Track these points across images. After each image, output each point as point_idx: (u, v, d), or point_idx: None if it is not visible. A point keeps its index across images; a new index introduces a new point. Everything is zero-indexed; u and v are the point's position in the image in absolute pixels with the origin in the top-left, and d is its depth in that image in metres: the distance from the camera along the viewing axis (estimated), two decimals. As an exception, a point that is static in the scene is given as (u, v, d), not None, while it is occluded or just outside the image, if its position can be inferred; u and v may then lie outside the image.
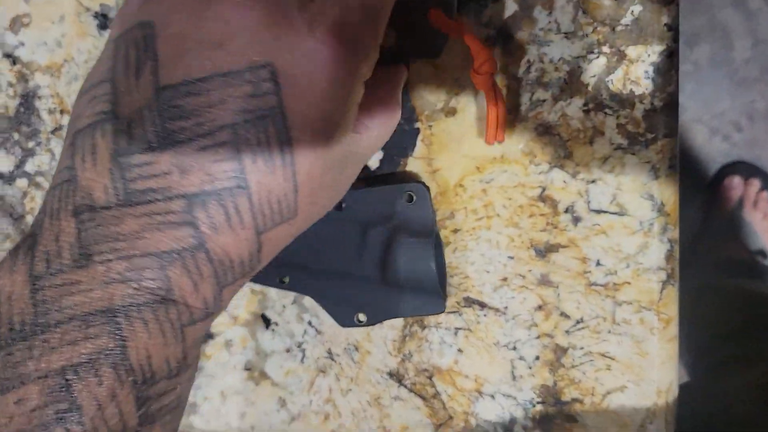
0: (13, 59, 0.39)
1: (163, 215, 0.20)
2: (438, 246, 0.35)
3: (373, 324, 0.36)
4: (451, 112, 0.34)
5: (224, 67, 0.20)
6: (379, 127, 0.26)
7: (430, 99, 0.34)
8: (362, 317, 0.36)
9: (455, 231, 0.35)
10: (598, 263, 0.33)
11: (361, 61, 0.23)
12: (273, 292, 0.38)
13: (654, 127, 0.31)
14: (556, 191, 0.33)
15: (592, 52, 0.31)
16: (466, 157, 0.34)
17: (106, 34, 0.38)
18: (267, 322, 0.39)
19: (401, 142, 0.35)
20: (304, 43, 0.21)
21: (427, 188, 0.34)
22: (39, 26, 0.39)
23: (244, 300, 0.39)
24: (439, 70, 0.33)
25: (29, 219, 0.42)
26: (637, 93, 0.31)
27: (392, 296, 0.35)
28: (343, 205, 0.35)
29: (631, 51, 0.31)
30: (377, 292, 0.35)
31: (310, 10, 0.21)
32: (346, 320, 0.36)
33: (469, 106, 0.33)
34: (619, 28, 0.31)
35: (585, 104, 0.32)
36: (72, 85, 0.39)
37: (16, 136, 0.40)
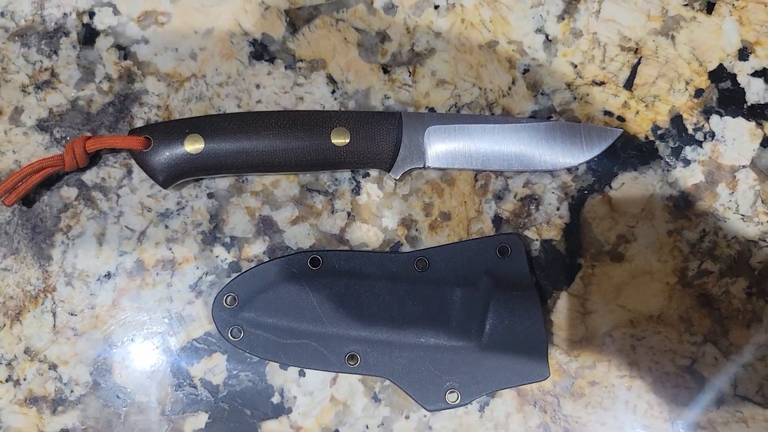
0: (126, 53, 0.33)
1: None
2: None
3: (466, 403, 0.30)
4: (618, 257, 0.32)
5: None
6: None
7: (599, 238, 0.32)
8: (453, 396, 0.29)
9: (593, 383, 0.32)
10: (731, 454, 0.31)
11: None
12: (359, 408, 0.32)
13: (805, 327, 0.32)
14: (706, 367, 0.32)
15: (764, 240, 0.32)
16: (623, 308, 0.32)
17: (258, 64, 0.33)
18: (338, 440, 0.32)
19: (558, 273, 0.32)
20: None
21: (521, 240, 0.32)
22: (176, 31, 0.33)
23: (318, 408, 0.32)
24: (615, 211, 0.33)
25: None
26: (795, 290, 0.32)
27: (489, 364, 0.30)
28: (427, 264, 0.31)
29: (797, 250, 0.32)
30: (471, 361, 0.30)
31: None
32: (433, 402, 0.30)
33: (638, 256, 0.32)
34: (791, 225, 0.32)
35: (749, 287, 0.32)
36: (190, 104, 0.33)
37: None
